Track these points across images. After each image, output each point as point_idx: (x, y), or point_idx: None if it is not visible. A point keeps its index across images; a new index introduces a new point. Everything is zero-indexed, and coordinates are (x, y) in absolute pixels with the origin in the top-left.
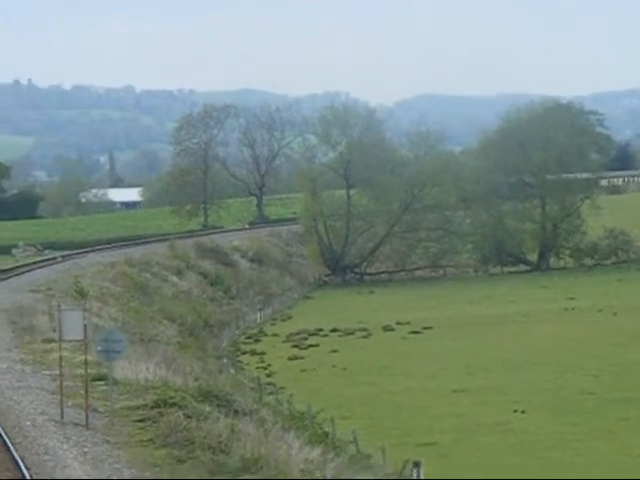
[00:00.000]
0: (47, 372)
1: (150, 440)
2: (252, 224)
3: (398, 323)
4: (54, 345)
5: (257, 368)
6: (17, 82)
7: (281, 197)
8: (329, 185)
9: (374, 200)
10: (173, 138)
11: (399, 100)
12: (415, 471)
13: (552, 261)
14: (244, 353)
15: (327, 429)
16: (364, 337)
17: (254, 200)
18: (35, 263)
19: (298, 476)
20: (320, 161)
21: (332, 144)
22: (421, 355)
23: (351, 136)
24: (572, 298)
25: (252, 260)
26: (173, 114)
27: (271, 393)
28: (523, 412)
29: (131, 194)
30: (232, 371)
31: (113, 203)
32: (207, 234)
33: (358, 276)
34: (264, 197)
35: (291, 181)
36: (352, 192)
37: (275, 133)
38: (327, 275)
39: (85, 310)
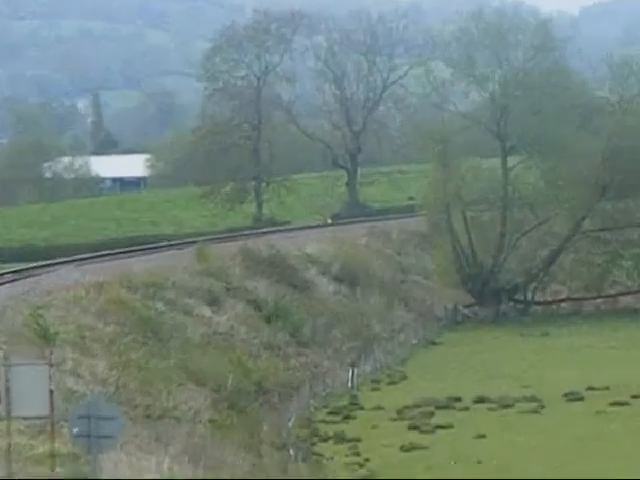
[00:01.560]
0: None
1: None
2: (337, 218)
3: (590, 388)
4: None
5: (347, 465)
6: None
7: (389, 170)
8: (473, 150)
9: (549, 175)
10: (203, 69)
11: (590, 4)
12: None
13: None
14: (325, 439)
15: None
16: (532, 412)
17: (343, 176)
18: None
19: None
20: (457, 108)
21: (477, 78)
22: (630, 443)
23: (510, 65)
24: None
25: (339, 279)
26: (201, 27)
27: None
28: None
29: (131, 165)
30: (304, 470)
31: (100, 180)
32: (262, 234)
33: (521, 306)
34: (360, 170)
35: (406, 143)
36: (511, 162)
37: (378, 60)
38: (468, 305)
39: (52, 365)
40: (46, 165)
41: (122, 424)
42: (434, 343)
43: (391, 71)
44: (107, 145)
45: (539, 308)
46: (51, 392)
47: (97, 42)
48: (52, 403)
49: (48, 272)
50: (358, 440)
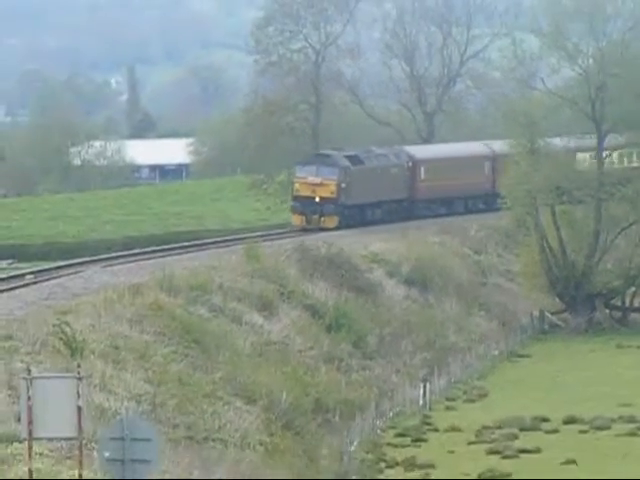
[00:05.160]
0: None
1: None
2: None
3: None
4: (18, 448)
5: None
6: None
7: None
8: (564, 135)
9: None
10: (253, 41)
11: None
12: None
13: None
14: (392, 465)
15: None
16: (630, 434)
17: None
18: None
19: None
20: (546, 86)
21: (569, 52)
22: None
23: (608, 37)
24: None
25: (409, 282)
26: None
27: None
28: None
29: (171, 151)
30: None
31: (136, 168)
32: (321, 230)
33: (618, 314)
34: None
35: (485, 126)
36: (608, 148)
37: (455, 31)
38: (557, 312)
39: (80, 379)
40: (74, 150)
41: (160, 447)
42: (518, 355)
43: (469, 43)
44: (144, 128)
45: (639, 316)
46: (79, 410)
47: (134, 9)
48: (80, 423)
49: (75, 273)
50: (431, 466)
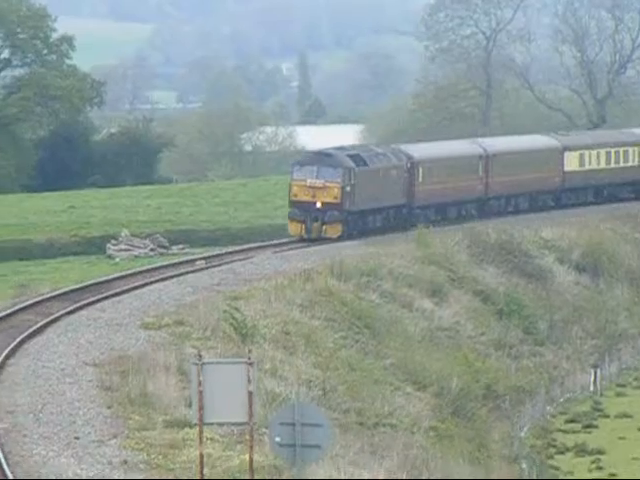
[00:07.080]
0: None
1: None
2: None
3: None
4: (189, 433)
5: None
6: None
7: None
8: None
9: None
10: (424, 27)
11: None
12: None
13: None
14: (564, 451)
15: None
16: None
17: None
18: (153, 271)
19: None
20: None
21: None
22: None
23: None
24: None
25: (580, 268)
26: None
27: None
28: None
29: (342, 137)
30: None
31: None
32: (493, 217)
33: None
34: None
35: None
36: None
37: (627, 17)
38: None
39: (251, 364)
40: (245, 136)
41: (331, 432)
42: None
43: None
44: (315, 113)
45: None
46: (250, 395)
47: None
48: (251, 408)
49: (245, 258)
50: (602, 452)
